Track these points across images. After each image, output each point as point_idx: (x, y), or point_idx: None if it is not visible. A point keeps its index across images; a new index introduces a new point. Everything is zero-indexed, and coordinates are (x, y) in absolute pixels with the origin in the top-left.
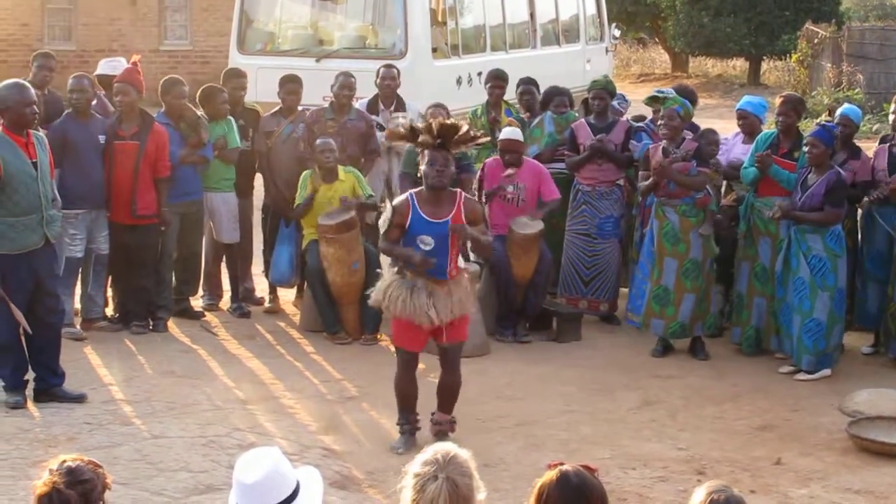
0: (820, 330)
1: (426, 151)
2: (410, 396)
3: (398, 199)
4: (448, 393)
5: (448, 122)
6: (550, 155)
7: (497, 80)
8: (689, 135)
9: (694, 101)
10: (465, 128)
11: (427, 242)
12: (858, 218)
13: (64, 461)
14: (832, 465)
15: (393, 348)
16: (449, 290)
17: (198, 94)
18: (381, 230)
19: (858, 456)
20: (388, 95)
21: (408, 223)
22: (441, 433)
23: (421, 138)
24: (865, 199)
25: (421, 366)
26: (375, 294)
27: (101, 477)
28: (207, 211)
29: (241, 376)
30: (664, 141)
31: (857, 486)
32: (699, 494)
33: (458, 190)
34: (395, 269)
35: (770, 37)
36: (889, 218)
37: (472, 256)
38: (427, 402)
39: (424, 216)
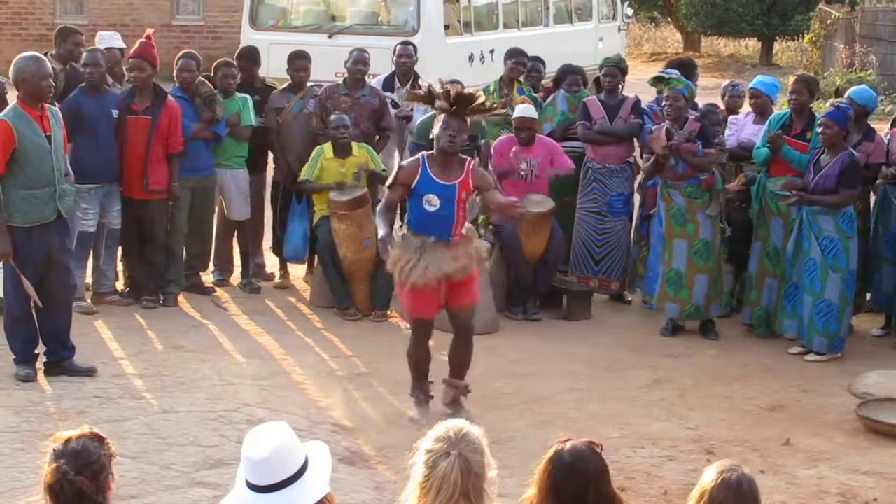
0: (831, 311)
1: (441, 116)
2: (423, 365)
3: (408, 160)
4: (461, 359)
5: (465, 91)
6: (563, 133)
7: (520, 57)
8: (692, 115)
9: (694, 74)
10: (481, 97)
11: (433, 203)
12: (871, 200)
13: (68, 441)
14: (841, 446)
15: (403, 325)
16: (455, 254)
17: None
18: (386, 186)
19: (867, 437)
20: (405, 73)
21: (415, 182)
22: (455, 399)
23: (437, 103)
24: (879, 179)
25: (431, 342)
26: (390, 260)
27: (107, 450)
28: (218, 187)
29: (251, 352)
30: (667, 122)
31: (866, 468)
32: (710, 473)
33: (469, 158)
34: (402, 232)
35: (783, 17)
36: None
37: (481, 232)
38: (437, 376)
39: (433, 176)
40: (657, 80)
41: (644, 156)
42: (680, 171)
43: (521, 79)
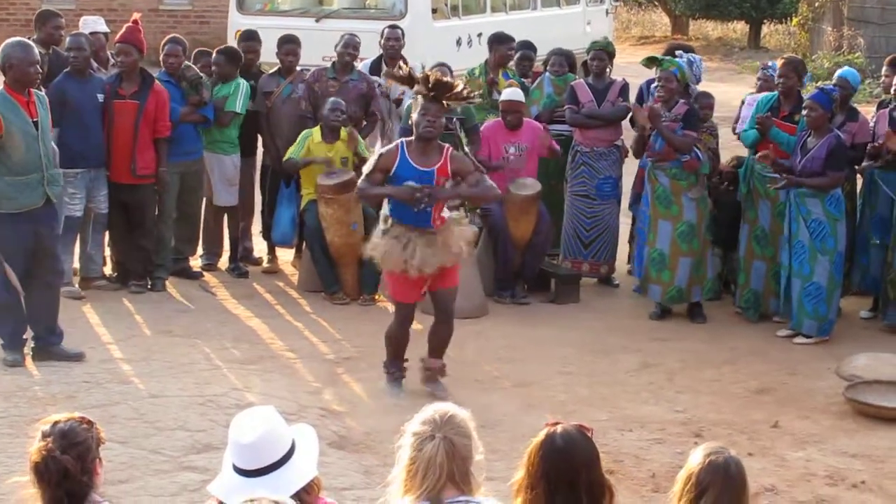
0: (820, 294)
1: (420, 100)
2: (401, 345)
3: (388, 146)
4: (440, 340)
5: (445, 79)
6: (550, 116)
7: (510, 43)
8: (681, 100)
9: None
10: (459, 86)
11: (414, 186)
12: (859, 182)
13: (56, 423)
14: (829, 428)
15: (391, 309)
16: (435, 240)
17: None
18: (364, 173)
19: (855, 419)
20: (393, 56)
21: (394, 168)
22: (431, 378)
23: (416, 87)
24: (865, 163)
25: (418, 326)
26: (369, 248)
27: (95, 434)
28: (206, 171)
29: (239, 336)
30: (658, 103)
31: (854, 450)
32: (697, 455)
33: (447, 144)
34: (384, 224)
35: (771, 0)
36: (892, 183)
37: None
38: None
39: (412, 162)
40: (650, 61)
41: (634, 137)
42: (657, 150)
43: (511, 65)
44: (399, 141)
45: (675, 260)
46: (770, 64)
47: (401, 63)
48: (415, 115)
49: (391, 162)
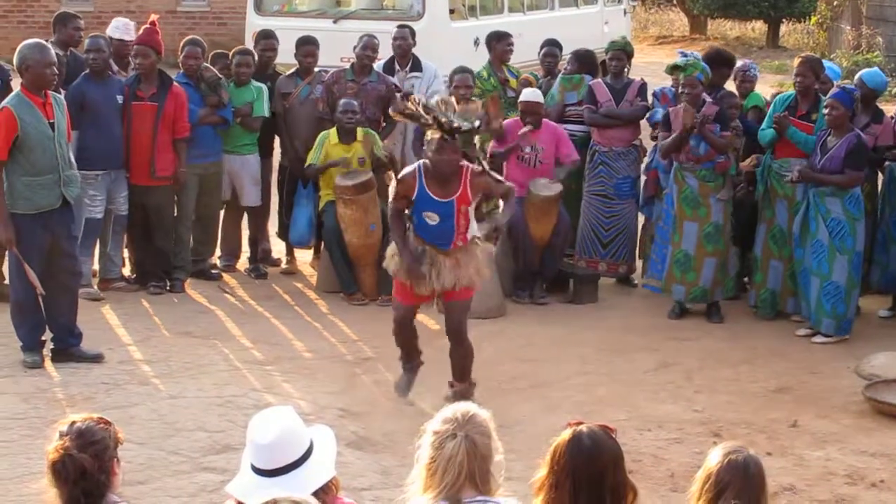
0: (839, 293)
1: (434, 139)
2: (408, 343)
3: (406, 170)
4: (456, 363)
5: (461, 126)
6: (558, 115)
7: (508, 38)
8: (708, 99)
9: (731, 65)
10: (476, 124)
11: (432, 218)
12: (879, 182)
13: (73, 422)
14: (848, 427)
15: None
16: (456, 261)
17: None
18: (390, 200)
19: (874, 419)
20: (403, 55)
21: (414, 196)
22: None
23: (429, 133)
24: (887, 162)
25: (437, 326)
26: (386, 261)
27: (112, 434)
28: (227, 173)
29: (258, 337)
30: (683, 105)
31: (873, 449)
32: (716, 455)
33: (465, 165)
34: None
35: None
36: None
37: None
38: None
39: (430, 194)
40: (674, 69)
41: (661, 135)
42: (700, 153)
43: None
44: (417, 165)
45: (701, 261)
46: (750, 65)
47: (410, 101)
48: (429, 153)
49: (410, 189)
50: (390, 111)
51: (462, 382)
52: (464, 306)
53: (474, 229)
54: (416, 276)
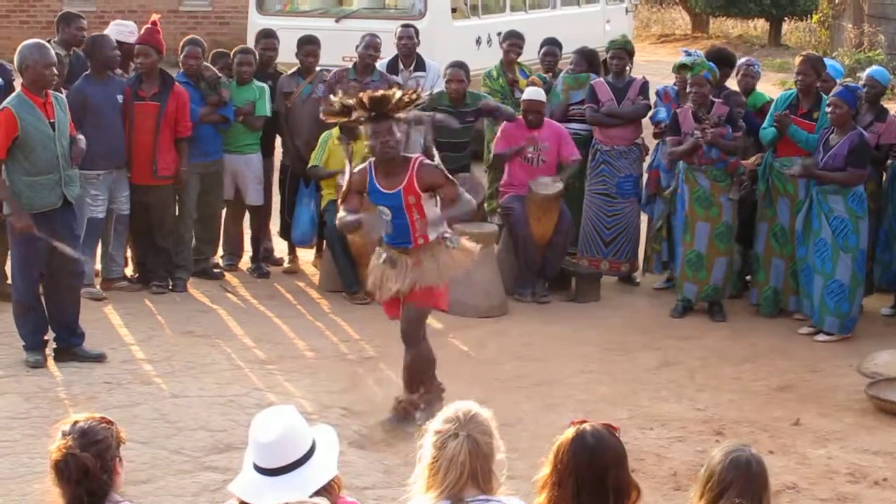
0: (842, 292)
1: (369, 125)
2: None
3: (359, 166)
4: (405, 369)
5: (378, 93)
6: (561, 114)
7: (515, 38)
8: (717, 100)
9: (732, 65)
10: (397, 95)
11: (385, 212)
12: (883, 180)
13: (76, 422)
14: (850, 426)
15: None
16: (418, 260)
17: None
18: (340, 197)
19: (877, 417)
20: (407, 55)
21: (367, 192)
22: (400, 412)
23: (355, 114)
24: (890, 160)
25: (439, 325)
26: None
27: (115, 433)
28: (230, 172)
29: (261, 336)
30: (690, 105)
31: (876, 448)
32: (719, 453)
33: (414, 156)
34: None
35: None
36: None
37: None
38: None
39: (379, 187)
40: (681, 68)
41: (670, 139)
42: (713, 156)
43: (538, 62)
44: (369, 161)
45: (712, 260)
46: (753, 61)
47: (333, 98)
48: (367, 142)
49: (362, 185)
50: (321, 115)
51: (410, 393)
52: (420, 312)
53: (440, 227)
54: (372, 230)
